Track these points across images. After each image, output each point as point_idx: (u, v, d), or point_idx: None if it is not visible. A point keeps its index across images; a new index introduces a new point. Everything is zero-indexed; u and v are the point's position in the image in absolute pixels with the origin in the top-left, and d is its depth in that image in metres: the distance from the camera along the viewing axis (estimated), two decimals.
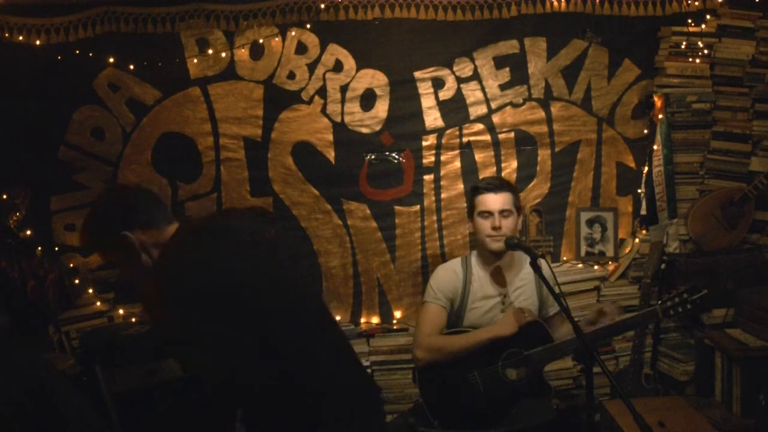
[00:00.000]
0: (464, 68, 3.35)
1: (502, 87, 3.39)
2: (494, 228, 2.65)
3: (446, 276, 2.77)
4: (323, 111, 3.30)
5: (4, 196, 3.01)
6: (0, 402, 1.51)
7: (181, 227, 1.84)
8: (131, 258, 1.81)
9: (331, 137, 3.31)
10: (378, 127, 3.33)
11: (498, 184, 2.70)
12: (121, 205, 1.88)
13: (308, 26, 3.23)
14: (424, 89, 3.34)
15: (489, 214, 2.67)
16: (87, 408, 1.68)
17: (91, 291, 3.18)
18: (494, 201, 2.67)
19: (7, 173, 3.04)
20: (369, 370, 3.25)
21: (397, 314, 3.41)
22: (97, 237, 1.89)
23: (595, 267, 3.47)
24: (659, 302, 2.59)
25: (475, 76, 3.36)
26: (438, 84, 3.35)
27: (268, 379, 1.66)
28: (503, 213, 2.66)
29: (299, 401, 1.71)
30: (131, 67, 3.14)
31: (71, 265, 3.16)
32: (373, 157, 3.35)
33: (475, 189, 2.76)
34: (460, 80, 3.35)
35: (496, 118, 3.40)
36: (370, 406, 1.88)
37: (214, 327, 1.60)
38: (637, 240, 3.49)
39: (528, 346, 2.59)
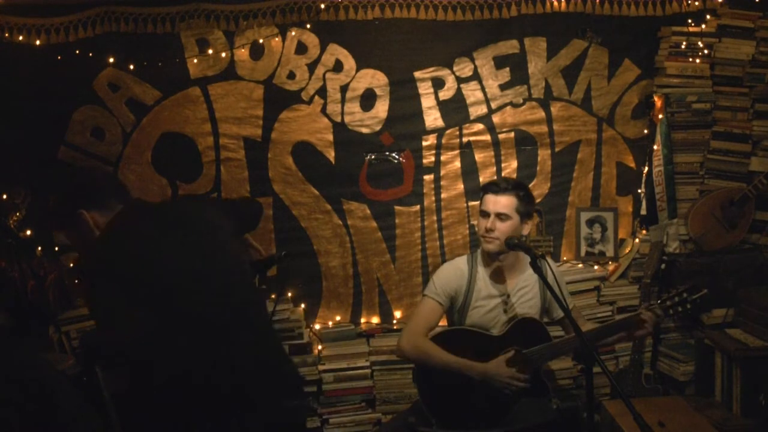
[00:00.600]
0: (464, 68, 3.35)
1: (502, 87, 3.39)
2: (486, 230, 2.64)
3: (451, 273, 2.75)
4: (323, 111, 3.30)
5: (4, 196, 3.00)
6: None
7: (121, 209, 1.96)
8: (84, 234, 1.93)
9: (331, 137, 3.31)
10: (378, 127, 3.33)
11: (502, 187, 2.65)
12: (80, 186, 2.02)
13: (308, 26, 3.23)
14: (424, 89, 3.34)
15: (486, 214, 2.66)
16: (87, 408, 1.68)
17: None
18: (492, 202, 2.64)
19: (7, 173, 3.04)
20: (369, 370, 3.25)
21: (397, 314, 3.41)
22: (56, 213, 2.03)
23: (595, 267, 3.47)
24: (659, 301, 2.59)
25: (475, 76, 3.36)
26: (438, 84, 3.35)
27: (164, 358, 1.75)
28: (500, 216, 2.61)
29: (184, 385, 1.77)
30: (131, 67, 3.15)
31: (71, 265, 3.15)
32: (373, 157, 3.35)
33: (482, 187, 2.77)
34: (460, 80, 3.35)
35: (496, 118, 3.40)
36: (273, 392, 1.91)
37: (113, 300, 1.75)
38: (637, 240, 3.49)
39: (526, 345, 2.59)
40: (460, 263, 2.78)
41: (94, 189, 1.99)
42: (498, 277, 2.73)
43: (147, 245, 1.85)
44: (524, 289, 2.73)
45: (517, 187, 2.67)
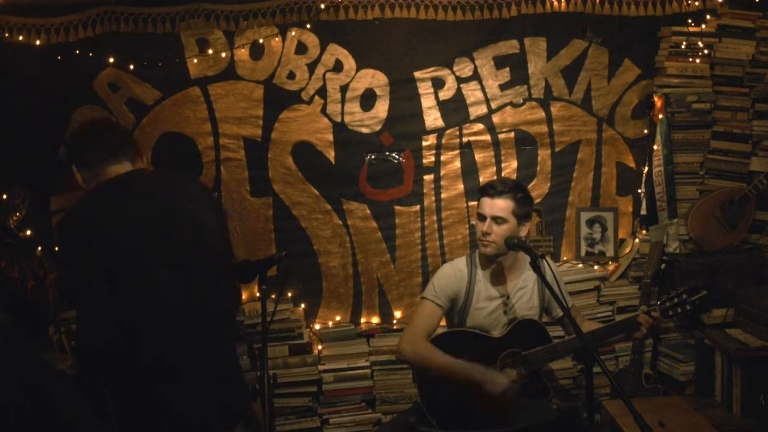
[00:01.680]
0: (464, 68, 3.35)
1: (502, 87, 3.39)
2: (483, 233, 2.62)
3: (451, 275, 2.73)
4: (323, 111, 3.30)
5: (4, 196, 3.00)
6: None
7: (114, 177, 1.97)
8: (77, 189, 2.02)
9: (331, 137, 3.31)
10: (378, 127, 3.33)
11: (498, 189, 2.62)
12: (70, 140, 2.07)
13: (308, 26, 3.23)
14: (424, 89, 3.34)
15: (483, 217, 2.64)
16: (87, 408, 1.68)
17: None
18: (489, 205, 2.62)
19: (7, 173, 3.04)
20: (369, 370, 3.25)
21: (397, 314, 3.41)
22: (61, 164, 2.11)
23: (595, 267, 3.47)
24: (658, 303, 2.59)
25: (475, 76, 3.36)
26: (438, 84, 3.35)
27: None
28: (496, 219, 2.60)
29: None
30: (131, 67, 3.14)
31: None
32: (373, 157, 3.35)
33: (479, 189, 2.74)
34: (460, 80, 3.35)
35: (496, 118, 3.40)
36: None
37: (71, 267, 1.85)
38: (637, 240, 3.49)
39: (526, 347, 2.59)
40: (460, 264, 2.77)
41: (77, 145, 2.00)
42: (497, 278, 2.73)
43: (113, 224, 1.87)
44: (523, 289, 2.73)
45: (515, 189, 2.64)
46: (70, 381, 2.08)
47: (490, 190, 2.64)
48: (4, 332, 2.52)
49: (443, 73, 3.34)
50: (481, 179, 3.39)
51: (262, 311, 2.24)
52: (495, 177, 3.40)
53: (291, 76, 3.27)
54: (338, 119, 3.31)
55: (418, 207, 3.40)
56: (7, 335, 2.54)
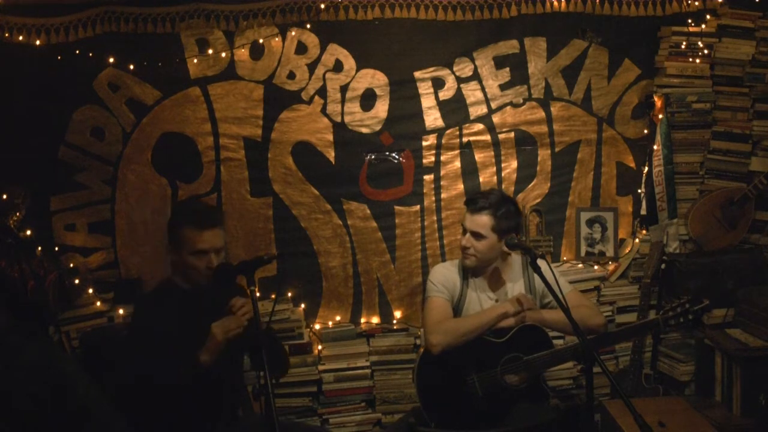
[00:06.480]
0: (464, 68, 3.35)
1: (502, 87, 3.39)
2: (463, 247, 2.67)
3: (445, 272, 2.79)
4: (323, 111, 3.30)
5: (4, 196, 3.00)
6: (18, 398, 1.52)
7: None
8: None
9: (331, 137, 3.31)
10: (378, 127, 3.33)
11: (479, 206, 2.62)
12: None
13: (308, 26, 3.23)
14: (424, 89, 3.34)
15: (464, 230, 2.69)
16: (107, 402, 1.68)
17: (91, 291, 3.17)
18: (469, 220, 2.65)
19: (7, 173, 3.04)
20: (369, 370, 3.25)
21: (397, 314, 3.41)
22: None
23: (595, 267, 3.47)
24: (660, 312, 2.60)
25: (475, 76, 3.36)
26: (438, 84, 3.35)
27: None
28: (474, 235, 2.63)
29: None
30: (131, 67, 3.14)
31: (71, 265, 3.15)
32: (373, 157, 3.35)
33: (466, 199, 2.79)
34: (460, 80, 3.35)
35: (496, 118, 3.40)
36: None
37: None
38: (637, 240, 3.49)
39: (527, 351, 2.58)
40: (452, 267, 2.82)
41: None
42: (489, 279, 2.77)
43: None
44: (514, 292, 2.75)
45: (497, 204, 2.63)
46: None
47: (472, 204, 2.66)
48: (20, 331, 2.52)
49: (443, 73, 3.34)
50: (481, 179, 3.40)
51: (254, 313, 2.23)
52: (495, 177, 3.41)
53: (291, 76, 3.27)
54: (338, 119, 3.31)
55: (418, 207, 3.40)
56: (26, 334, 2.54)
